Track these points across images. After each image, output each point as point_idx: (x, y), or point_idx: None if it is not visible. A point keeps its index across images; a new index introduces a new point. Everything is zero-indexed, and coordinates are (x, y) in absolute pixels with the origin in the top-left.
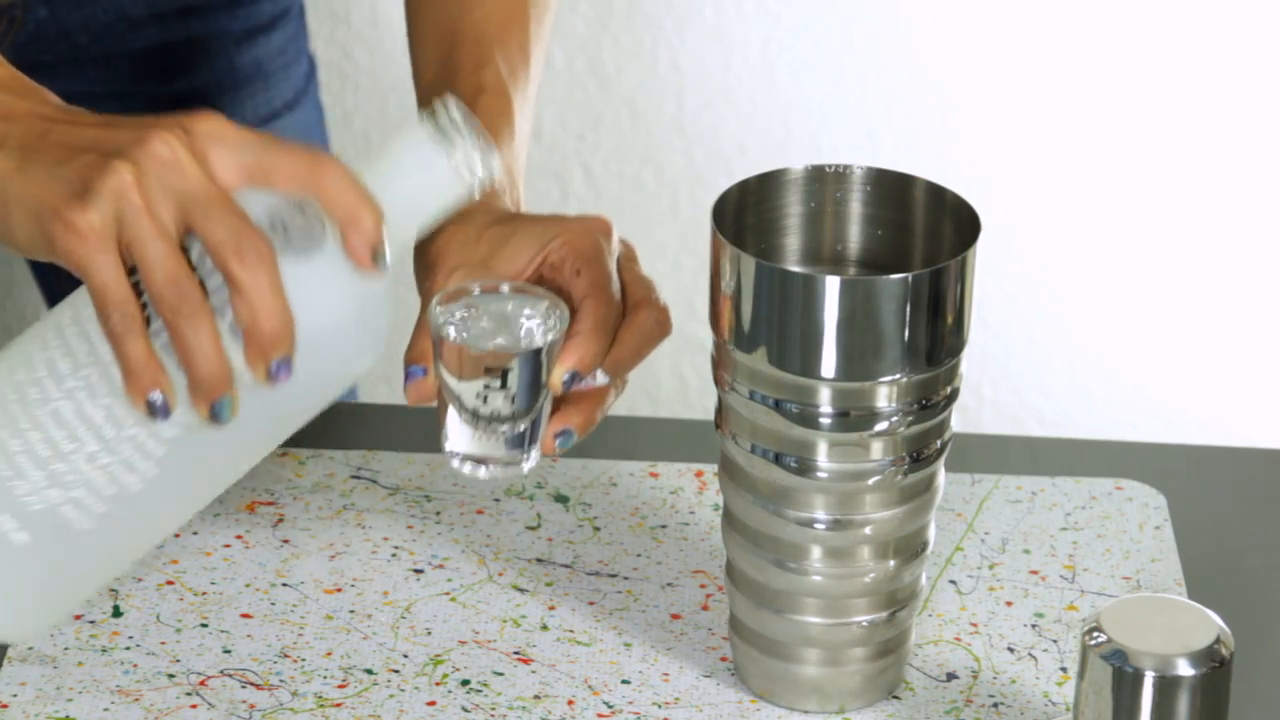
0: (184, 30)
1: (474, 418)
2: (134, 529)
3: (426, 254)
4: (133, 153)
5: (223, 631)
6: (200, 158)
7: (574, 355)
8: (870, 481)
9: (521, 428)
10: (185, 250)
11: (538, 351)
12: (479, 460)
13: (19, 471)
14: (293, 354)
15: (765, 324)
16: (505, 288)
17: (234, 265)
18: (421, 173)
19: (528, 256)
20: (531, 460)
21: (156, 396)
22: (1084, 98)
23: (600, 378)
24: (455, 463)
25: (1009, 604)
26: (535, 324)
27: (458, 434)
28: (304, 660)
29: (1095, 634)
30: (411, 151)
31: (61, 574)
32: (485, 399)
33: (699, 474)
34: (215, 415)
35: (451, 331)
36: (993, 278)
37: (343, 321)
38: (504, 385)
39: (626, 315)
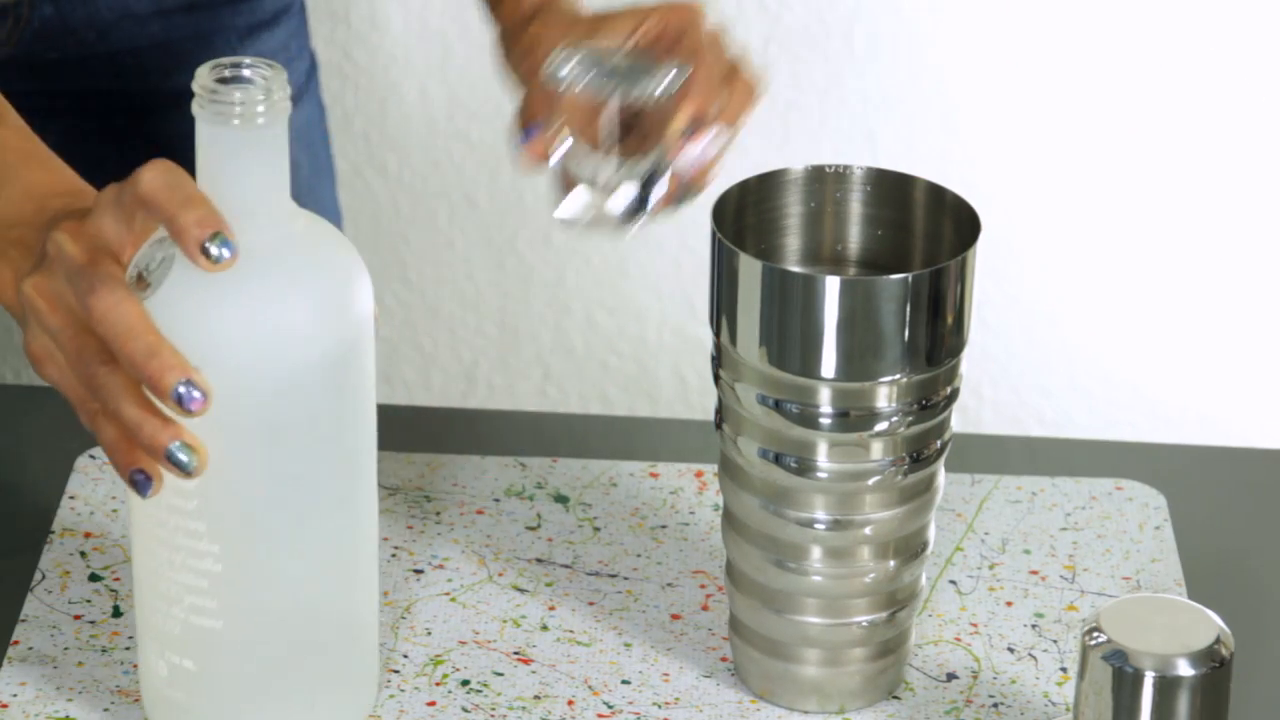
0: (189, 26)
1: (594, 171)
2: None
3: (520, 41)
4: (40, 259)
5: None
6: (81, 233)
7: (691, 104)
8: (870, 481)
9: (639, 184)
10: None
11: (656, 99)
12: (594, 220)
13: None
14: (188, 374)
15: (765, 324)
16: (620, 49)
17: (90, 318)
18: None
19: (626, 31)
20: (642, 220)
21: (136, 474)
22: (1084, 98)
23: (713, 139)
24: (569, 222)
25: (1009, 604)
26: (654, 75)
27: (575, 195)
28: None
29: (1095, 634)
30: None
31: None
32: (606, 150)
33: (699, 474)
34: (179, 467)
35: (576, 76)
36: (993, 278)
37: (263, 319)
38: (624, 137)
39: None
